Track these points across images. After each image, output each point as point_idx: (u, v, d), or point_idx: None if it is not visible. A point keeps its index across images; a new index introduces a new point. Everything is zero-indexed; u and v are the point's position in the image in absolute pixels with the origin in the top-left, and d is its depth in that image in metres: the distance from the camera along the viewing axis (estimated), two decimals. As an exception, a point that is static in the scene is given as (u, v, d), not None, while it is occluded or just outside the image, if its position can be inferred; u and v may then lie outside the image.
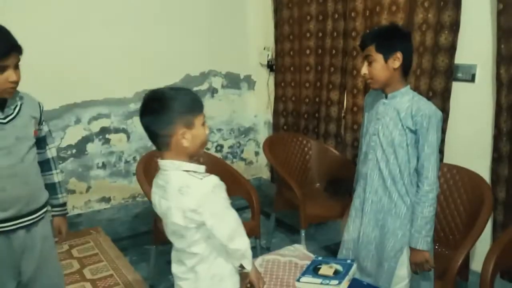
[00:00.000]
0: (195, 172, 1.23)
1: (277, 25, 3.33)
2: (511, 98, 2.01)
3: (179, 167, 1.22)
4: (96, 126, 3.03)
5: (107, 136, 3.08)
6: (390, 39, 1.67)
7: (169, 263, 2.84)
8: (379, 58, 1.66)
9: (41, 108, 1.71)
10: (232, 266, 1.33)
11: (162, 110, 1.19)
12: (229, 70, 3.55)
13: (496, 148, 2.12)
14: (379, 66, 1.67)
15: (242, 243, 1.30)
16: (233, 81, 3.59)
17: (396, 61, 1.66)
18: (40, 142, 1.71)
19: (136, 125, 3.17)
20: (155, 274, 2.60)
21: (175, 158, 1.23)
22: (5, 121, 1.51)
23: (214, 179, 1.22)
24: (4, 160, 1.50)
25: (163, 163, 1.25)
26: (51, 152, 1.77)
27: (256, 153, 3.85)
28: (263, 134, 3.74)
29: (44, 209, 1.68)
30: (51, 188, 1.77)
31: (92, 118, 3.01)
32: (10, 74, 1.45)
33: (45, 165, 1.74)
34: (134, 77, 3.08)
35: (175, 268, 1.37)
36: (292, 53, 3.23)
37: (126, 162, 3.18)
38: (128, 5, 2.98)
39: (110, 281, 2.48)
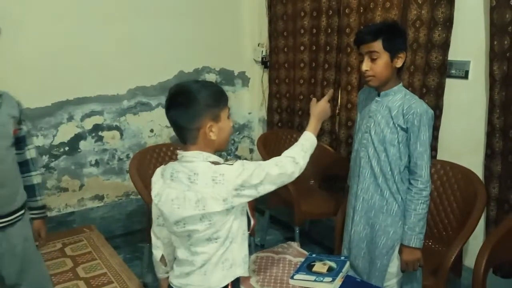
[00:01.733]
0: (220, 163, 1.23)
1: (271, 21, 3.32)
2: (504, 95, 2.02)
3: (207, 158, 1.23)
4: (89, 123, 3.01)
5: (100, 133, 3.06)
6: (397, 37, 1.64)
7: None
8: (385, 56, 1.62)
9: (21, 107, 1.65)
10: (244, 254, 1.32)
11: (189, 103, 1.20)
12: (223, 67, 3.53)
13: (489, 145, 2.12)
14: (383, 64, 1.63)
15: (288, 165, 1.31)
16: (227, 77, 3.57)
17: (400, 60, 1.65)
18: (19, 142, 1.66)
19: (129, 122, 3.15)
20: (149, 272, 2.59)
21: (202, 151, 1.24)
22: None
23: (240, 161, 1.24)
24: None
25: (188, 154, 1.24)
26: (30, 153, 1.71)
27: (251, 150, 3.84)
28: (258, 131, 3.73)
29: (21, 212, 1.63)
30: (30, 190, 1.71)
31: (85, 115, 2.98)
32: None
33: (23, 166, 1.69)
34: (127, 74, 3.06)
35: (179, 270, 1.32)
36: (286, 50, 3.22)
37: (119, 159, 3.16)
38: (121, 1, 2.96)
39: (104, 279, 2.47)
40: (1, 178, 1.53)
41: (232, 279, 1.30)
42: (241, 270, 1.31)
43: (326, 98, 1.55)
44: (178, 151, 1.27)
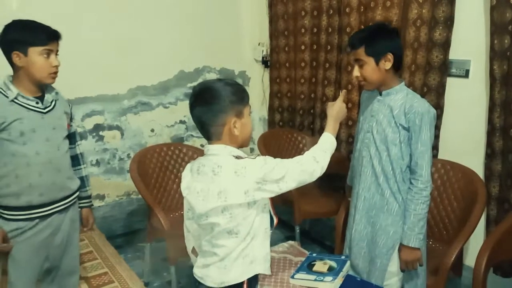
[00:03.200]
0: (243, 158, 1.28)
1: (272, 20, 3.32)
2: (504, 94, 2.02)
3: (231, 152, 1.28)
4: (89, 123, 3.01)
5: (100, 133, 3.06)
6: (379, 41, 1.65)
7: (163, 260, 2.85)
8: (370, 61, 1.65)
9: (71, 107, 1.86)
10: (265, 252, 1.35)
11: (214, 100, 1.25)
12: (223, 66, 3.53)
13: (489, 144, 2.12)
14: (370, 69, 1.66)
15: (309, 163, 1.34)
16: (228, 77, 3.56)
17: (387, 62, 1.65)
18: (70, 138, 1.83)
19: (129, 122, 3.15)
20: (150, 271, 2.60)
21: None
22: (44, 111, 1.66)
23: (261, 156, 1.28)
24: (43, 147, 1.64)
25: (214, 147, 1.29)
26: (79, 148, 1.91)
27: (251, 150, 3.84)
28: (259, 130, 3.73)
29: (75, 195, 1.81)
30: (80, 181, 1.87)
31: (86, 115, 2.98)
32: (53, 59, 1.65)
33: (74, 160, 1.87)
34: (127, 74, 3.06)
35: (202, 260, 1.37)
36: (287, 49, 3.22)
37: (120, 159, 3.16)
38: (121, 1, 2.96)
39: (105, 278, 2.47)
40: (58, 163, 1.70)
41: (251, 275, 1.33)
42: (261, 268, 1.34)
43: (341, 98, 1.59)
44: (204, 146, 1.33)
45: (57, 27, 2.71)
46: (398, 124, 1.68)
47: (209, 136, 1.29)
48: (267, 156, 1.29)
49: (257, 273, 1.34)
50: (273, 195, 1.28)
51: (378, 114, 1.74)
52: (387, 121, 1.71)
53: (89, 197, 1.95)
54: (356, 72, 1.70)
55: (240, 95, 1.29)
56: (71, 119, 1.84)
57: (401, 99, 1.68)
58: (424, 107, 1.65)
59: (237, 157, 1.27)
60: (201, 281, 1.36)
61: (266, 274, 1.37)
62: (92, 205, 1.99)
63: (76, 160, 1.88)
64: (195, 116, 1.28)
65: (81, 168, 1.91)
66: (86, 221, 1.95)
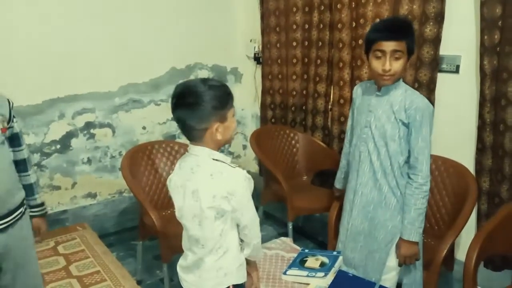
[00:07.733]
0: (223, 162, 1.28)
1: (263, 16, 3.30)
2: (495, 89, 2.03)
3: (210, 155, 1.27)
4: (80, 121, 2.98)
5: (92, 131, 3.03)
6: (413, 38, 1.64)
7: (155, 258, 2.84)
8: (404, 57, 1.63)
9: (11, 105, 1.61)
10: (239, 263, 1.36)
11: (197, 106, 1.20)
12: (215, 63, 3.52)
13: (480, 139, 2.14)
14: (403, 64, 1.64)
15: (254, 235, 1.37)
16: (220, 74, 3.56)
17: (408, 62, 1.67)
18: (13, 141, 1.63)
19: (121, 120, 3.13)
20: (142, 269, 2.59)
21: (206, 147, 1.28)
22: None
23: (244, 172, 1.28)
24: None
25: (195, 148, 1.28)
26: (26, 152, 1.69)
27: (244, 147, 3.84)
28: (251, 127, 3.72)
29: (19, 210, 1.60)
30: (28, 189, 1.69)
31: (76, 112, 2.96)
32: None
33: (20, 166, 1.67)
34: (118, 71, 3.04)
35: (182, 260, 1.40)
36: (278, 45, 3.21)
37: (112, 157, 3.14)
38: (112, -2, 2.94)
39: (97, 277, 2.45)
40: None
41: (226, 286, 1.34)
42: (234, 279, 1.35)
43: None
44: (189, 144, 1.32)
45: (47, 25, 2.71)
46: (398, 120, 1.68)
47: (190, 137, 1.28)
48: (247, 178, 1.28)
49: (231, 284, 1.35)
50: (232, 213, 1.29)
51: (377, 109, 1.73)
52: (386, 116, 1.70)
53: (40, 205, 1.74)
54: (388, 65, 1.61)
55: (224, 100, 1.24)
56: (10, 120, 1.58)
57: (400, 95, 1.68)
58: (424, 103, 1.66)
59: (217, 160, 1.27)
60: (180, 281, 1.39)
61: (240, 282, 1.38)
62: (46, 212, 1.79)
63: (22, 166, 1.66)
64: (177, 118, 1.25)
65: (29, 175, 1.68)
66: (37, 230, 1.75)
